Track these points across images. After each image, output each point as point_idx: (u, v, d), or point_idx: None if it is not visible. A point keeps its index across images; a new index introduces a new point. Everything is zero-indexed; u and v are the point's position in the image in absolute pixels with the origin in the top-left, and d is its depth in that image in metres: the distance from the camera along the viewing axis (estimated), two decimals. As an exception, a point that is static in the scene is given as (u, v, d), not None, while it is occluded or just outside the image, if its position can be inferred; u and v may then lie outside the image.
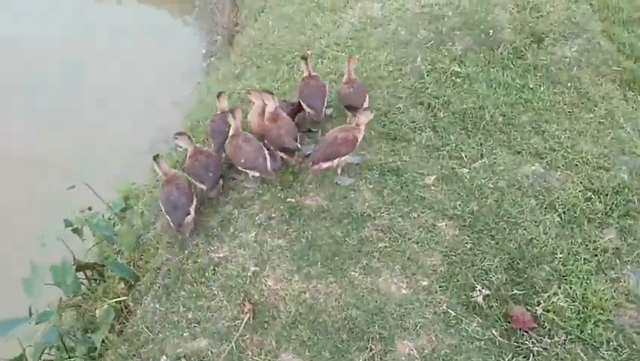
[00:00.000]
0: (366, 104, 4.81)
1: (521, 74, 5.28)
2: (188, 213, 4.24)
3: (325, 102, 4.93)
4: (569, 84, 5.08)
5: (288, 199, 4.44)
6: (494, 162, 4.59)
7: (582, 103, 4.92)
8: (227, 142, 4.55)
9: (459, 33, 5.79)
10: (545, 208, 4.18)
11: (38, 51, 10.43)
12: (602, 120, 4.75)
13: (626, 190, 4.20)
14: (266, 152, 4.46)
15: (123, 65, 10.29)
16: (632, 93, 5.03)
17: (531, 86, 5.13)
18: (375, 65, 5.68)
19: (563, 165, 4.45)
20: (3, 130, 8.70)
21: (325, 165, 4.37)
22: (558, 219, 4.11)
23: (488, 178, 4.46)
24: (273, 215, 4.35)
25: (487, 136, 4.84)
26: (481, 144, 4.78)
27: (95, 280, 5.27)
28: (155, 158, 4.39)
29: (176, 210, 4.22)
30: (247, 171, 4.49)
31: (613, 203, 4.14)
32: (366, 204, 4.35)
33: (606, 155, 4.46)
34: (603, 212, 4.11)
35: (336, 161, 4.37)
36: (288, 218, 4.30)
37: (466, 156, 4.69)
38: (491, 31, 5.69)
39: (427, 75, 5.46)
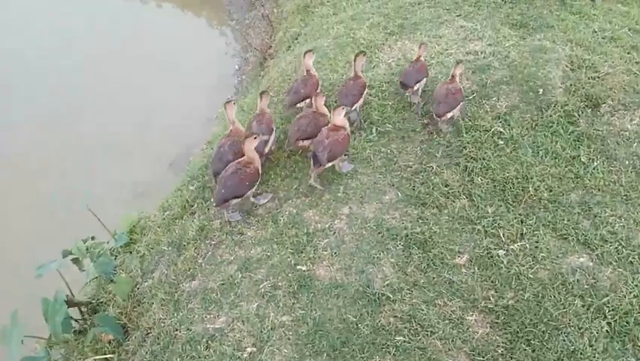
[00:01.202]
0: (419, 86, 5.03)
1: (572, 143, 4.61)
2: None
3: (359, 102, 4.91)
4: (627, 162, 4.38)
5: (299, 266, 3.87)
6: (536, 247, 3.93)
7: (641, 186, 4.23)
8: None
9: (505, 88, 5.13)
10: (592, 313, 3.51)
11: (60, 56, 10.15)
12: (664, 210, 4.04)
13: (691, 301, 3.50)
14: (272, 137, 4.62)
15: (154, 70, 9.95)
16: (700, 180, 4.31)
17: (583, 160, 4.44)
18: (408, 115, 5.08)
19: (615, 261, 3.76)
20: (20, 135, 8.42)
21: (449, 114, 4.69)
22: (607, 328, 3.44)
23: (528, 266, 3.80)
24: (280, 284, 3.78)
25: (529, 212, 4.18)
26: (522, 222, 4.12)
27: (88, 318, 4.78)
28: (226, 103, 4.57)
29: (219, 161, 4.37)
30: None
31: (674, 316, 3.45)
32: (387, 282, 3.75)
33: (668, 254, 3.76)
34: (662, 326, 3.41)
35: (456, 108, 4.73)
36: (296, 290, 3.73)
37: (504, 235, 4.04)
38: (541, 89, 5.02)
39: (466, 133, 4.83)
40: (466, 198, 4.36)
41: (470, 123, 4.92)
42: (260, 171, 4.25)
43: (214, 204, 4.22)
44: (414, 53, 5.87)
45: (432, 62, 5.68)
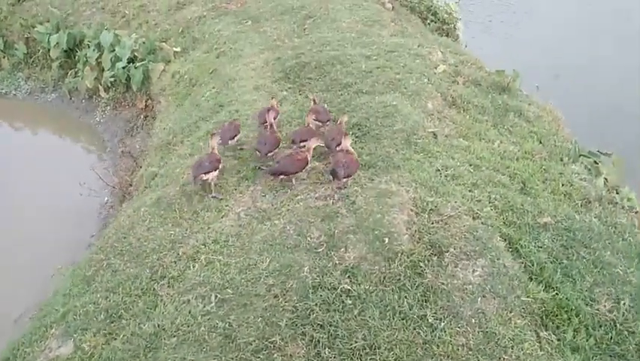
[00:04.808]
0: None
1: (419, 299, 4.21)
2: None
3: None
4: (473, 320, 4.03)
5: None
6: None
7: (489, 348, 3.84)
8: None
9: (352, 237, 4.76)
10: None
11: None
12: (514, 376, 3.65)
13: None
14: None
15: (15, 200, 8.82)
16: (546, 332, 4.03)
17: (430, 320, 4.03)
18: (254, 276, 4.49)
19: None
20: None
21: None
22: None
23: None
24: None
25: (378, 393, 3.60)
26: (370, 407, 3.52)
27: None
28: (211, 135, 5.69)
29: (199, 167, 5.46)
30: None
31: None
32: None
33: None
34: None
35: None
36: None
37: None
38: (387, 238, 4.70)
39: (313, 293, 4.30)
40: (312, 379, 3.72)
41: (318, 281, 4.42)
42: (308, 160, 5.40)
43: (267, 173, 5.43)
44: (264, 200, 5.45)
45: (282, 208, 5.26)
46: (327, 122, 6.12)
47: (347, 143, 5.33)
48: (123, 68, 10.81)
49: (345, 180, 5.16)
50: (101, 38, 11.25)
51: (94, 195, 9.08)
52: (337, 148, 5.46)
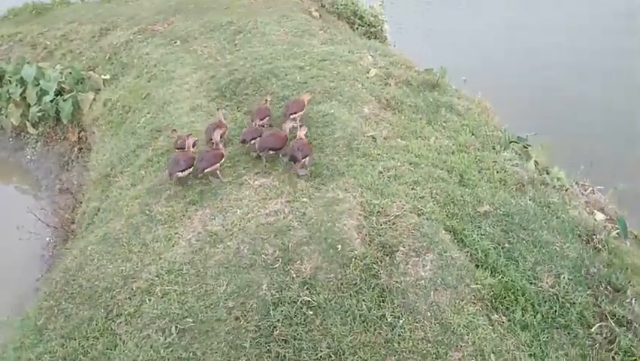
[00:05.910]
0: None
1: (377, 300, 4.38)
2: None
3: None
4: (429, 314, 4.23)
5: None
6: None
7: (446, 338, 4.05)
8: None
9: (306, 249, 4.87)
10: None
11: None
12: (471, 361, 3.87)
13: None
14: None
15: None
16: (497, 315, 4.29)
17: (389, 320, 4.20)
18: (213, 302, 4.50)
19: None
20: None
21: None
22: None
23: None
24: None
25: (347, 398, 3.72)
26: (341, 413, 3.63)
27: None
28: (188, 136, 6.14)
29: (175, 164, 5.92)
30: None
31: None
32: None
33: (485, 418, 3.50)
34: None
35: None
36: None
37: None
38: (340, 245, 4.84)
39: (274, 309, 4.37)
40: (282, 396, 3.78)
41: (278, 296, 4.48)
42: (287, 138, 6.00)
43: (258, 149, 6.01)
44: (214, 223, 5.45)
45: (233, 229, 5.28)
46: (266, 118, 6.60)
47: (302, 133, 5.87)
48: (51, 101, 10.46)
49: (303, 160, 5.70)
50: (23, 73, 10.83)
51: (34, 238, 8.69)
52: (291, 116, 6.32)
